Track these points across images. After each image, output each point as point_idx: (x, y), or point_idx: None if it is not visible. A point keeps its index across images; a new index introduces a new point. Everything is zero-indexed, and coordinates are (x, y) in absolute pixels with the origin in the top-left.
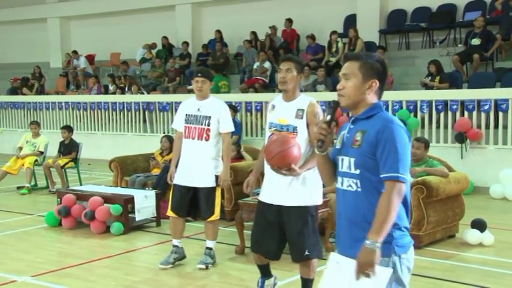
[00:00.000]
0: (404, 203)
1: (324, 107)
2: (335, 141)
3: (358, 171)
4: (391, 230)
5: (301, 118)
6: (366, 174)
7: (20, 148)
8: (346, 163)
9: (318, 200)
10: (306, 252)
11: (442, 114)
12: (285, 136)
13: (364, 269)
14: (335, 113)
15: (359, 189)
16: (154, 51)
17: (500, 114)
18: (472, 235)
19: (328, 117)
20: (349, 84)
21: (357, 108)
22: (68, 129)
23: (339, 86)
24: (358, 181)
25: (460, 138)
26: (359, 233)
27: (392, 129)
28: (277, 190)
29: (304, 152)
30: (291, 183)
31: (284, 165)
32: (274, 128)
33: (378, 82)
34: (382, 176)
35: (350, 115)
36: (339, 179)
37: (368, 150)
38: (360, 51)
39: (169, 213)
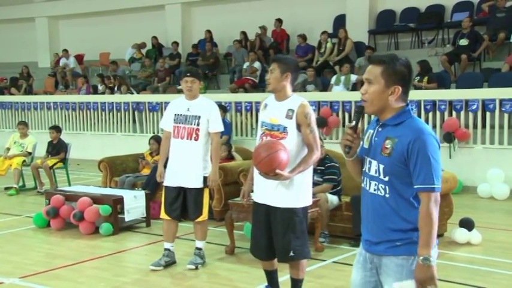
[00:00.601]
0: (416, 207)
1: (313, 107)
2: (362, 138)
3: (387, 178)
4: (413, 230)
5: (291, 119)
6: (394, 182)
7: (8, 149)
8: (374, 167)
9: (306, 202)
10: (291, 254)
11: (430, 114)
12: (272, 141)
13: (426, 285)
14: (360, 118)
15: (387, 195)
16: (144, 51)
17: (488, 114)
18: (460, 234)
19: (353, 123)
20: (371, 89)
21: (383, 113)
22: (56, 129)
23: (361, 90)
24: (387, 187)
25: (448, 137)
26: (383, 235)
27: (424, 140)
28: (266, 190)
29: (296, 153)
30: (278, 185)
31: (270, 169)
32: (265, 127)
33: (401, 88)
34: (416, 187)
35: (376, 117)
36: (366, 180)
37: (398, 159)
38: (387, 54)
39: (163, 215)
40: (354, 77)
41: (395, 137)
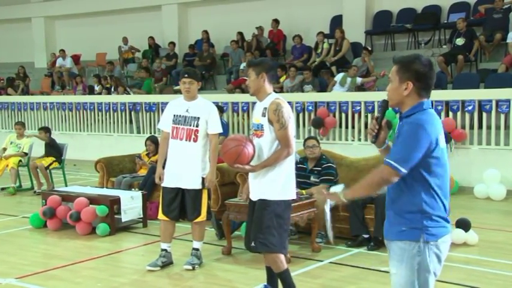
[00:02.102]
0: (435, 192)
1: (310, 108)
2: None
3: None
4: (422, 218)
5: (264, 116)
6: None
7: (4, 149)
8: None
9: (279, 196)
10: (252, 244)
11: None
12: (240, 136)
13: (323, 199)
14: (385, 111)
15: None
16: (140, 53)
17: (484, 114)
18: (457, 235)
19: (378, 115)
20: (390, 86)
21: (402, 107)
22: (45, 130)
23: (387, 88)
24: None
25: (445, 138)
26: (393, 219)
27: (412, 128)
28: (252, 187)
29: (270, 149)
30: (259, 180)
31: (232, 161)
32: (253, 128)
33: (412, 83)
34: (384, 160)
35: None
36: None
37: None
38: (410, 55)
39: (161, 216)
40: (359, 80)
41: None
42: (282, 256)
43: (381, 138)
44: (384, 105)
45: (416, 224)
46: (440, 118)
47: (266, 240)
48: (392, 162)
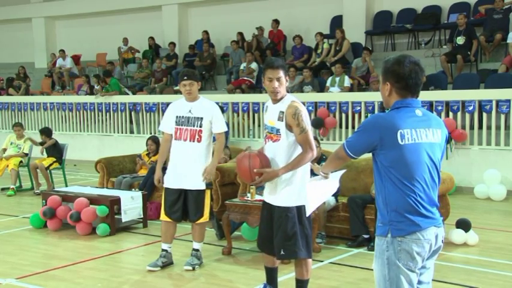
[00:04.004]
0: (404, 188)
1: (310, 108)
2: None
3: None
4: (389, 213)
5: (282, 121)
6: (375, 166)
7: (4, 149)
8: None
9: (301, 201)
10: (281, 252)
11: None
12: (238, 156)
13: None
14: (383, 111)
15: (376, 179)
16: (140, 54)
17: (484, 115)
18: (457, 235)
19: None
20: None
21: (389, 106)
22: (46, 133)
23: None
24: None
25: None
26: (377, 218)
27: (367, 120)
28: (269, 190)
29: (289, 154)
30: (278, 185)
31: (245, 177)
32: (267, 130)
33: (391, 84)
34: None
35: None
36: None
37: None
38: (394, 57)
39: (163, 217)
40: (347, 80)
41: None
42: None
43: None
44: (382, 107)
45: (384, 220)
46: (440, 118)
47: (295, 247)
48: (344, 144)
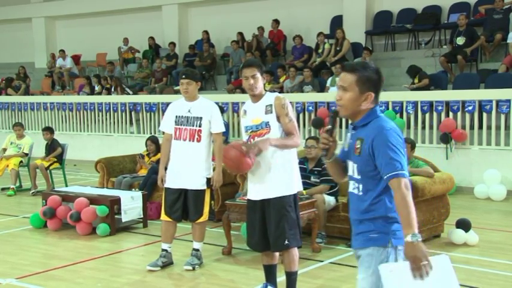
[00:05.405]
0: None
1: (310, 108)
2: (344, 143)
3: (359, 177)
4: (388, 222)
5: (271, 113)
6: (365, 180)
7: (4, 149)
8: (351, 168)
9: (294, 189)
10: (286, 242)
11: (427, 115)
12: (239, 146)
13: (418, 263)
14: (335, 122)
15: (360, 193)
16: (140, 54)
17: (484, 115)
18: (457, 235)
19: (329, 127)
20: (346, 96)
21: (356, 116)
22: (50, 130)
23: (336, 97)
24: (360, 185)
25: (445, 138)
26: (359, 228)
27: (385, 134)
28: (259, 186)
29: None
30: (268, 179)
31: (239, 162)
32: (251, 130)
33: (373, 94)
34: (385, 177)
35: (350, 121)
36: (350, 181)
37: (367, 158)
38: (359, 62)
39: (163, 217)
40: None
41: (363, 136)
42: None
43: (331, 151)
44: (335, 115)
45: (383, 229)
46: (440, 118)
47: (296, 235)
48: (400, 171)
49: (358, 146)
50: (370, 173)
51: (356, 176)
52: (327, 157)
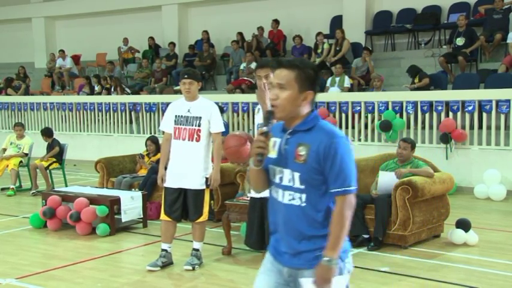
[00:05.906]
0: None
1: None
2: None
3: (303, 186)
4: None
5: None
6: (311, 190)
7: (4, 149)
8: (287, 176)
9: None
10: None
11: (427, 115)
12: (241, 134)
13: (321, 285)
14: (271, 124)
15: (303, 204)
16: (140, 54)
17: (484, 115)
18: (457, 235)
19: (265, 129)
20: (283, 95)
21: (292, 119)
22: (47, 135)
23: (271, 96)
24: (303, 196)
25: (445, 138)
26: (301, 246)
27: (338, 142)
28: None
29: None
30: None
31: (235, 160)
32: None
33: (313, 93)
34: (332, 191)
35: (280, 124)
36: (278, 191)
37: (314, 166)
38: (296, 58)
39: (163, 217)
40: (347, 80)
41: (309, 142)
42: None
43: (265, 156)
44: (271, 117)
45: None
46: (440, 118)
47: None
48: (350, 188)
49: (303, 152)
50: (316, 182)
51: (298, 185)
52: (260, 163)
